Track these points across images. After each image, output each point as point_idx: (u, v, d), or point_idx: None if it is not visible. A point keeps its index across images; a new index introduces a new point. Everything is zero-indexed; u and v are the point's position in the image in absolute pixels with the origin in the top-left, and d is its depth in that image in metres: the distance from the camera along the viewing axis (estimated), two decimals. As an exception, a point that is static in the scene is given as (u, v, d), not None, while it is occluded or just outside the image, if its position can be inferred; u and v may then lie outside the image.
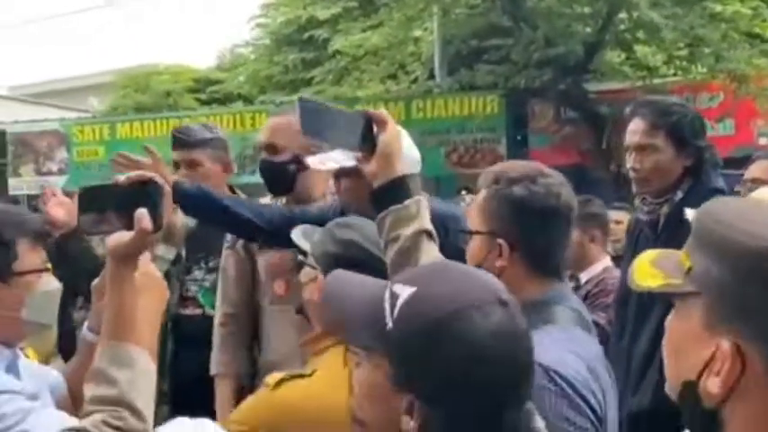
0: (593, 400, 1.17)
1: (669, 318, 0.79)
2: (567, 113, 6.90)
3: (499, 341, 0.81)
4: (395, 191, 1.26)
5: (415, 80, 8.67)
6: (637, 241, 2.14)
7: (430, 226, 1.27)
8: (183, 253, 2.24)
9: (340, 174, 1.87)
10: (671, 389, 0.78)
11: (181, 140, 2.30)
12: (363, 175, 1.70)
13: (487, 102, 7.30)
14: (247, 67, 10.86)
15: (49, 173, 8.52)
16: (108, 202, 1.15)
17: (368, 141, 1.29)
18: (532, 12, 6.64)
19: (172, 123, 8.19)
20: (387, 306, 0.83)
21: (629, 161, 2.09)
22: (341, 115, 1.33)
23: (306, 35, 9.57)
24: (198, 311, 2.23)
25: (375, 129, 1.30)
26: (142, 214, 1.09)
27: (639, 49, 7.18)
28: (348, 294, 0.91)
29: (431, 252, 1.26)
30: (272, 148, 2.06)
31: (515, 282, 1.26)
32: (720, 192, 2.03)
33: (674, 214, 2.00)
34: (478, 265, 1.30)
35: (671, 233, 1.99)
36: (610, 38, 6.68)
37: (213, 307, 2.18)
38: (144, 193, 1.14)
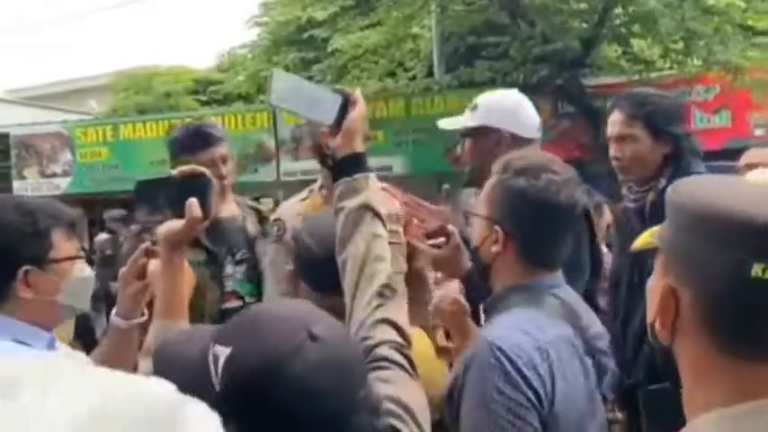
0: (533, 379, 1.20)
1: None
2: (565, 108, 6.99)
3: (321, 377, 0.85)
4: (352, 165, 1.32)
5: (414, 77, 8.74)
6: (625, 228, 2.24)
7: (375, 204, 1.29)
8: (214, 250, 2.22)
9: (465, 134, 2.09)
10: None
11: (213, 137, 2.27)
12: (483, 137, 2.02)
13: (486, 98, 7.37)
14: (246, 68, 10.93)
15: (54, 175, 8.59)
16: (161, 194, 1.25)
17: (340, 118, 1.36)
18: (529, 8, 6.72)
19: (174, 124, 8.25)
20: (212, 369, 0.88)
21: (611, 151, 2.19)
22: (318, 91, 1.39)
23: (305, 35, 9.64)
24: (239, 303, 2.25)
25: (348, 108, 1.37)
26: (193, 203, 1.20)
27: (636, 43, 7.26)
28: (174, 361, 0.94)
29: (371, 230, 1.27)
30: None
31: (506, 268, 1.36)
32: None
33: (659, 201, 2.09)
34: (478, 248, 1.40)
35: (657, 219, 2.06)
36: (606, 32, 6.76)
37: (251, 295, 2.25)
38: (194, 185, 1.24)
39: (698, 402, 0.80)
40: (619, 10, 6.55)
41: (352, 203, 1.28)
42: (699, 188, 0.82)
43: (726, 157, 6.44)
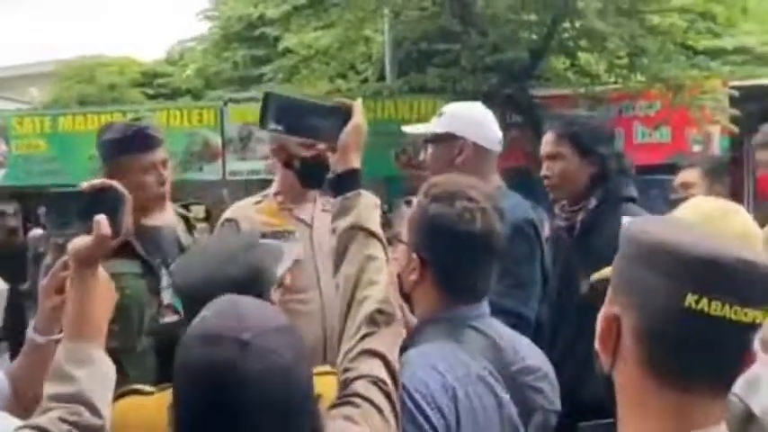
0: (435, 418, 1.16)
1: None
2: (513, 118, 7.07)
3: (202, 377, 0.89)
4: (346, 182, 1.29)
5: (365, 80, 8.71)
6: (557, 246, 2.28)
7: (368, 223, 1.24)
8: (150, 261, 2.10)
9: (429, 140, 2.10)
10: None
11: (155, 139, 2.15)
12: (447, 144, 2.04)
13: (437, 104, 7.38)
14: (196, 62, 10.71)
15: (-13, 166, 8.23)
16: (73, 207, 1.20)
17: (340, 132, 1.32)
18: (481, 17, 6.78)
19: (116, 117, 8.00)
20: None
21: (542, 170, 2.27)
22: (316, 108, 1.34)
23: (256, 32, 9.51)
24: (176, 317, 2.10)
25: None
26: (100, 220, 1.14)
27: (582, 57, 7.41)
28: None
29: (364, 251, 1.20)
30: (315, 143, 2.12)
31: (424, 298, 1.32)
32: (631, 200, 2.21)
33: (588, 220, 2.17)
34: (400, 275, 1.35)
35: (586, 238, 2.16)
36: (554, 45, 6.87)
37: None
38: (104, 199, 1.19)
39: (631, 430, 0.83)
40: (567, 24, 6.67)
41: (343, 223, 1.24)
42: (651, 225, 0.87)
43: (667, 171, 6.63)
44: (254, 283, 1.23)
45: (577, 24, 6.45)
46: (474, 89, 6.96)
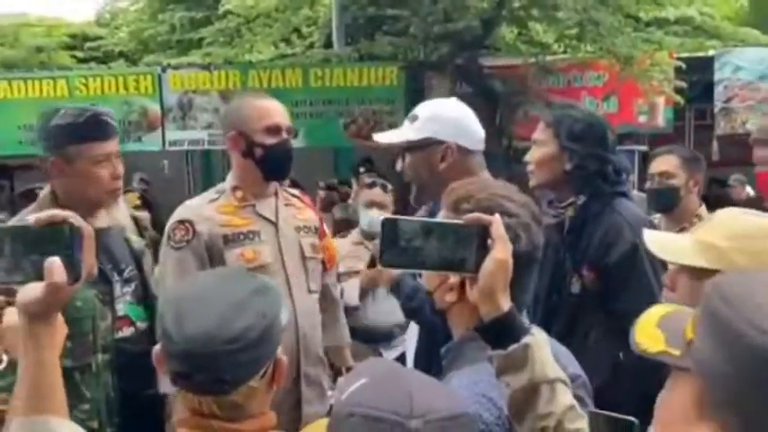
0: None
1: (666, 386, 0.78)
2: (463, 88, 6.98)
3: None
4: (501, 332, 1.08)
5: (311, 45, 8.41)
6: (545, 244, 2.22)
7: (550, 374, 1.06)
8: (101, 266, 1.87)
9: (406, 148, 1.95)
10: None
11: (112, 127, 1.93)
12: (428, 151, 1.91)
13: (386, 73, 7.23)
14: (129, 24, 10.13)
15: None
16: (20, 246, 0.98)
17: (478, 260, 1.08)
18: (431, -17, 6.59)
19: (45, 84, 7.52)
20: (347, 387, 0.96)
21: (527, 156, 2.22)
22: (440, 229, 1.09)
23: (195, -7, 9.05)
24: (131, 330, 1.95)
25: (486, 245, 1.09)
26: (52, 264, 0.94)
27: (532, 26, 7.34)
28: None
29: (557, 405, 1.04)
30: (278, 129, 2.09)
31: (462, 315, 1.21)
32: (622, 195, 2.15)
33: (578, 217, 2.13)
34: (432, 293, 1.24)
35: (576, 235, 2.12)
36: (505, 14, 6.76)
37: (143, 321, 1.98)
38: (57, 236, 0.98)
39: None
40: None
41: (517, 382, 1.06)
42: None
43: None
44: (264, 339, 1.07)
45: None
46: (424, 59, 6.82)
